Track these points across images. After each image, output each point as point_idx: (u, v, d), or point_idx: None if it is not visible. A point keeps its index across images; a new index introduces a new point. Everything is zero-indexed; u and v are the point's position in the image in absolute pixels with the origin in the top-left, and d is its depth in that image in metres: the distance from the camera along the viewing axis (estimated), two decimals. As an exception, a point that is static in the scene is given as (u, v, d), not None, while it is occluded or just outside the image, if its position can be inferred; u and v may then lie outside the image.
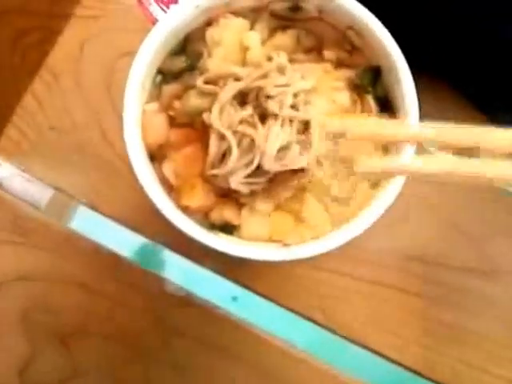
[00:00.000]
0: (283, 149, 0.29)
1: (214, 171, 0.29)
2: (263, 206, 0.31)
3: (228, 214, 0.31)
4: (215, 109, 0.29)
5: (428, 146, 0.28)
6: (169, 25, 0.31)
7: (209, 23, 0.32)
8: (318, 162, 0.30)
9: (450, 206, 0.42)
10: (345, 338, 0.40)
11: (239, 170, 0.29)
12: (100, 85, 0.43)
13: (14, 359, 0.41)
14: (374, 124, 0.29)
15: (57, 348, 0.41)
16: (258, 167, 0.29)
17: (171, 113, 0.32)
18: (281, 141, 0.28)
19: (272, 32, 0.33)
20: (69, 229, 0.42)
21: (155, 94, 0.33)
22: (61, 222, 0.42)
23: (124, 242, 0.42)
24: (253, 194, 0.30)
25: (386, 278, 0.41)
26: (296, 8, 0.33)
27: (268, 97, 0.29)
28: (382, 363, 0.40)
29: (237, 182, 0.29)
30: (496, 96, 0.38)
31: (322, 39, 0.33)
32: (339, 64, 0.33)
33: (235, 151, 0.28)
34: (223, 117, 0.29)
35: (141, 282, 0.42)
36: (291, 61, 0.31)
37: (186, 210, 0.31)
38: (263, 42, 0.32)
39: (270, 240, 0.31)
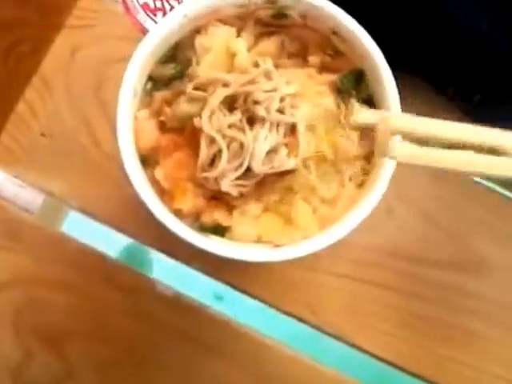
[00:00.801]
0: (271, 152, 0.29)
1: (205, 174, 0.30)
2: (253, 207, 0.31)
3: (219, 216, 0.31)
4: (205, 114, 0.29)
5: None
6: (159, 34, 0.31)
7: (197, 31, 0.33)
8: (305, 164, 0.31)
9: (431, 202, 0.43)
10: (332, 335, 0.41)
11: (229, 173, 0.29)
12: (91, 92, 0.44)
13: (5, 363, 0.42)
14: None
15: (49, 351, 0.41)
16: (248, 170, 0.29)
17: (162, 118, 0.32)
18: (269, 144, 0.29)
19: (258, 38, 0.33)
20: (61, 233, 0.43)
21: (146, 100, 0.33)
22: (53, 226, 0.43)
23: (116, 244, 0.42)
24: (243, 196, 0.31)
25: (371, 276, 0.42)
26: (281, 15, 0.33)
27: (256, 102, 0.29)
28: (370, 360, 0.41)
29: (227, 185, 0.30)
30: (476, 94, 0.39)
31: (307, 44, 0.34)
32: (323, 68, 0.33)
33: (225, 154, 0.29)
34: (213, 121, 0.29)
35: (131, 284, 0.42)
36: (276, 66, 0.31)
37: (178, 213, 0.31)
38: (249, 49, 0.33)
39: (261, 241, 0.32)
